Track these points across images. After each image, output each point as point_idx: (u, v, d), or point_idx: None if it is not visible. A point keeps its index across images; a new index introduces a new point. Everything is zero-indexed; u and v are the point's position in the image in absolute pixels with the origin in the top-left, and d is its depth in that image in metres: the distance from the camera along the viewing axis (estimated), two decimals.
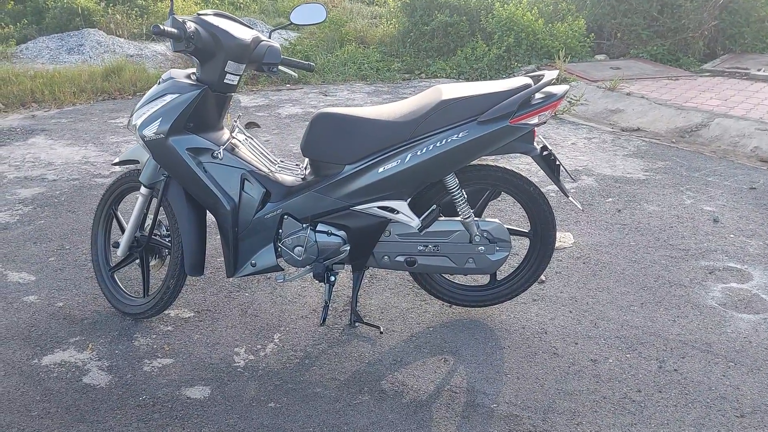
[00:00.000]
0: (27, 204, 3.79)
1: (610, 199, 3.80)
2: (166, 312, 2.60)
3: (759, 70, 6.49)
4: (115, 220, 2.71)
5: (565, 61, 6.64)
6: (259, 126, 5.41)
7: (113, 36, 8.86)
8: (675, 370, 2.26)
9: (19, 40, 8.83)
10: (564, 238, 3.28)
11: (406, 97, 2.50)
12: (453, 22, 7.73)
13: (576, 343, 2.42)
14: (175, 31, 2.13)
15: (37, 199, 3.86)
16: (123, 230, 2.61)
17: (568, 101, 5.76)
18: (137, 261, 2.61)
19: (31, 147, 4.90)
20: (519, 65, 7.20)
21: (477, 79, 7.13)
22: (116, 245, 2.60)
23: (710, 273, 2.93)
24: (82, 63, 7.75)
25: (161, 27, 2.09)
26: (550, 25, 7.61)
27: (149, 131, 2.28)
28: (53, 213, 3.65)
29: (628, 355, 2.34)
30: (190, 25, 2.18)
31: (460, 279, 2.74)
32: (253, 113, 5.86)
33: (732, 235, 3.30)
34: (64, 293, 2.78)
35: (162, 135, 2.26)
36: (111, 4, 9.50)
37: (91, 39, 8.57)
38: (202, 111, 2.30)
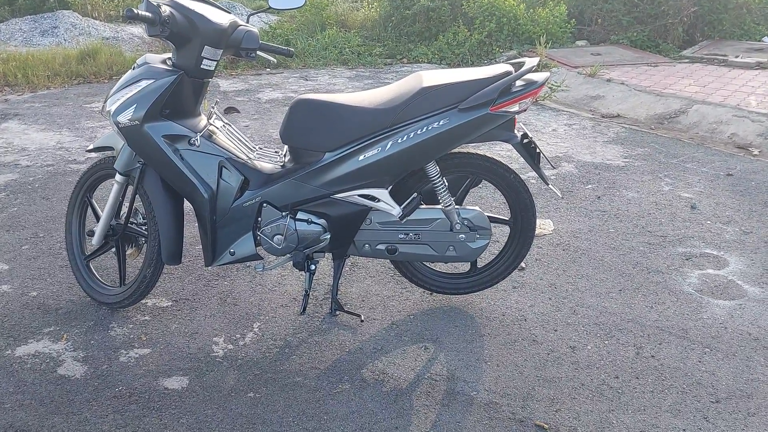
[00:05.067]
0: (0, 191, 3.70)
1: (590, 186, 3.82)
2: (143, 301, 2.56)
3: (737, 56, 6.55)
4: (90, 207, 2.65)
5: (546, 46, 6.64)
6: (238, 111, 5.35)
7: (88, 18, 8.69)
8: (652, 356, 2.28)
9: None
10: (544, 225, 3.29)
11: (388, 83, 2.48)
12: (435, 6, 7.68)
13: (555, 330, 2.43)
14: (150, 15, 2.08)
15: (9, 186, 3.78)
16: (98, 218, 2.56)
17: (549, 87, 5.77)
18: (113, 250, 2.56)
19: (4, 132, 4.80)
20: (500, 51, 7.18)
21: (459, 65, 7.10)
22: (91, 234, 2.55)
23: (687, 259, 2.96)
24: (56, 46, 7.58)
25: (134, 11, 2.03)
26: (531, 10, 7.60)
27: (124, 118, 2.23)
28: (27, 200, 3.58)
29: (606, 342, 2.36)
30: (165, 9, 2.13)
31: (440, 266, 2.73)
32: (232, 98, 5.79)
33: (709, 222, 3.33)
34: (38, 282, 2.73)
35: (137, 122, 2.22)
36: None
37: (66, 21, 8.38)
38: (179, 97, 2.25)
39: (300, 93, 5.97)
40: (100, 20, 8.77)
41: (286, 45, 7.65)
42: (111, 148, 2.49)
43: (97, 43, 7.10)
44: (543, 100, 5.70)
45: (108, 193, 2.49)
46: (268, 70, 6.95)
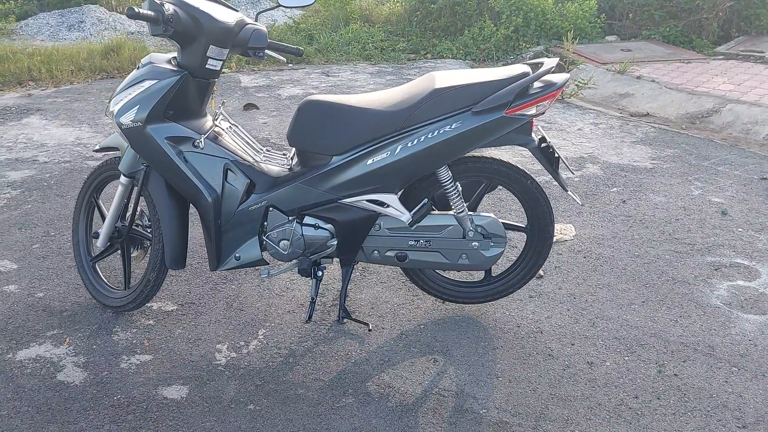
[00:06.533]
0: (16, 187, 3.70)
1: (615, 189, 3.67)
2: (148, 304, 2.51)
3: None
4: (96, 209, 2.61)
5: (574, 42, 6.46)
6: (258, 108, 5.30)
7: (114, 13, 8.73)
8: (675, 374, 2.15)
9: (19, 16, 8.72)
10: (565, 230, 3.16)
11: (411, 79, 2.38)
12: (460, 0, 7.53)
13: (572, 344, 2.31)
14: (152, 13, 2.01)
15: (26, 183, 3.77)
16: (104, 219, 2.51)
17: (576, 85, 5.59)
18: (118, 252, 2.52)
19: (25, 127, 4.81)
20: (527, 46, 7.00)
21: (484, 60, 6.96)
22: (96, 235, 2.50)
23: (716, 269, 2.81)
24: (82, 40, 7.63)
25: (136, 9, 1.97)
26: (559, 4, 7.39)
27: (126, 119, 2.18)
28: (41, 197, 3.56)
29: (626, 358, 2.24)
30: (169, 7, 2.06)
31: (453, 275, 2.63)
32: (253, 94, 5.74)
33: (740, 229, 3.17)
34: (45, 283, 2.70)
35: (140, 123, 2.16)
36: None
37: (92, 15, 8.45)
38: (183, 98, 2.19)
39: (321, 89, 5.89)
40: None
41: (309, 40, 7.58)
42: (117, 149, 2.44)
43: (122, 38, 7.11)
44: (569, 97, 5.53)
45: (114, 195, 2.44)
46: (290, 65, 6.89)
